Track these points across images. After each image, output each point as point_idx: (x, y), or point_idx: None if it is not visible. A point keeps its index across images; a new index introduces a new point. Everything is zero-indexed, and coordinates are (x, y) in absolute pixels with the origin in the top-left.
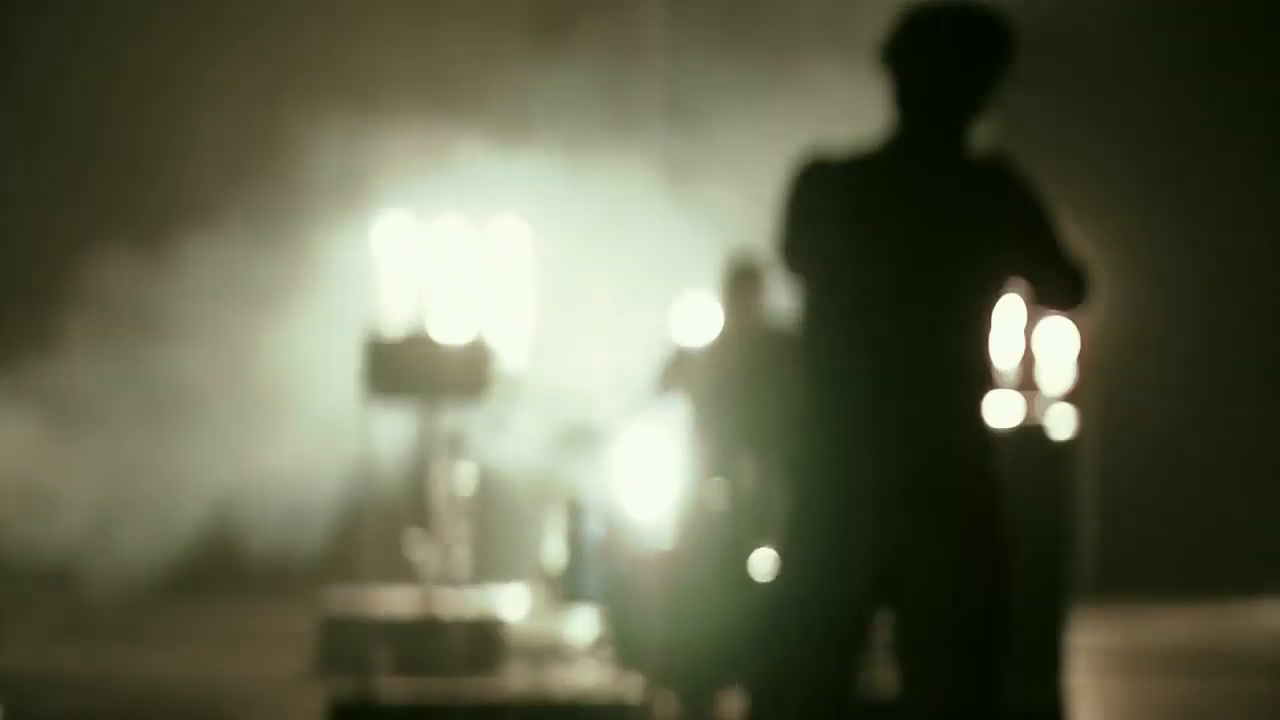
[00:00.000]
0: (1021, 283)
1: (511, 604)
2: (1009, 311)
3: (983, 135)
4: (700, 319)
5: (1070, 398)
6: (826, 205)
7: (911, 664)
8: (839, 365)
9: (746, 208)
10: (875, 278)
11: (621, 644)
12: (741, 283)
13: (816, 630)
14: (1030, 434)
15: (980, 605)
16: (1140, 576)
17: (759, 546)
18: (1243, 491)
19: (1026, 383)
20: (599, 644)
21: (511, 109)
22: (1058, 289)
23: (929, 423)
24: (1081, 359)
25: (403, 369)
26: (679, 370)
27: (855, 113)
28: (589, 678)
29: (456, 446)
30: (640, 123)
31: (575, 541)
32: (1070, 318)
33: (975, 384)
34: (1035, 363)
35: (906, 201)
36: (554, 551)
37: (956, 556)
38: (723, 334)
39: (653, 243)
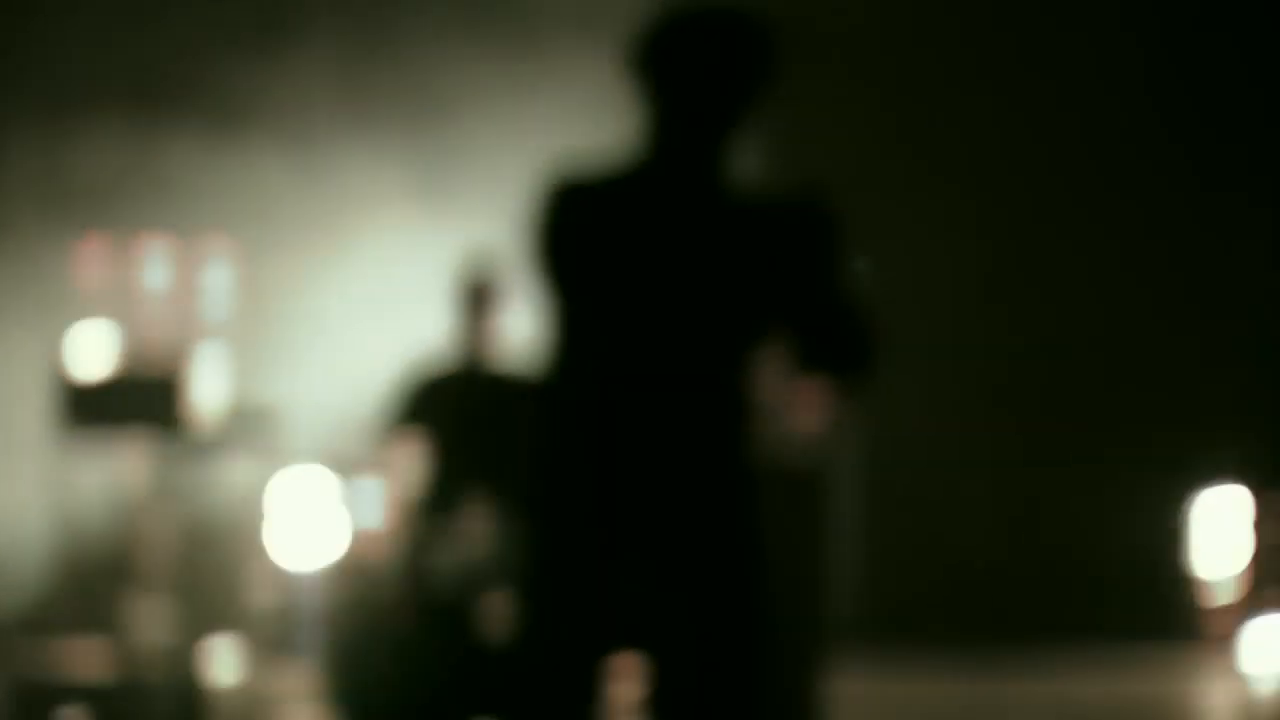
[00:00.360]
0: (785, 338)
1: (221, 660)
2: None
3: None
4: (442, 341)
5: (824, 430)
6: (578, 237)
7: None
8: (588, 404)
9: (498, 214)
10: (629, 315)
11: (340, 703)
12: (476, 301)
13: (559, 684)
14: (776, 469)
15: (738, 657)
16: (906, 621)
17: (491, 594)
18: (1008, 530)
19: (776, 415)
20: (315, 701)
21: (226, 104)
22: (828, 352)
23: (680, 470)
24: (831, 389)
25: (101, 402)
26: (419, 400)
27: (610, 105)
28: None
29: (162, 486)
30: (378, 117)
31: (288, 589)
32: (838, 390)
33: (734, 426)
34: (786, 394)
35: (662, 232)
36: (265, 600)
37: (712, 609)
38: (456, 360)
39: (393, 254)
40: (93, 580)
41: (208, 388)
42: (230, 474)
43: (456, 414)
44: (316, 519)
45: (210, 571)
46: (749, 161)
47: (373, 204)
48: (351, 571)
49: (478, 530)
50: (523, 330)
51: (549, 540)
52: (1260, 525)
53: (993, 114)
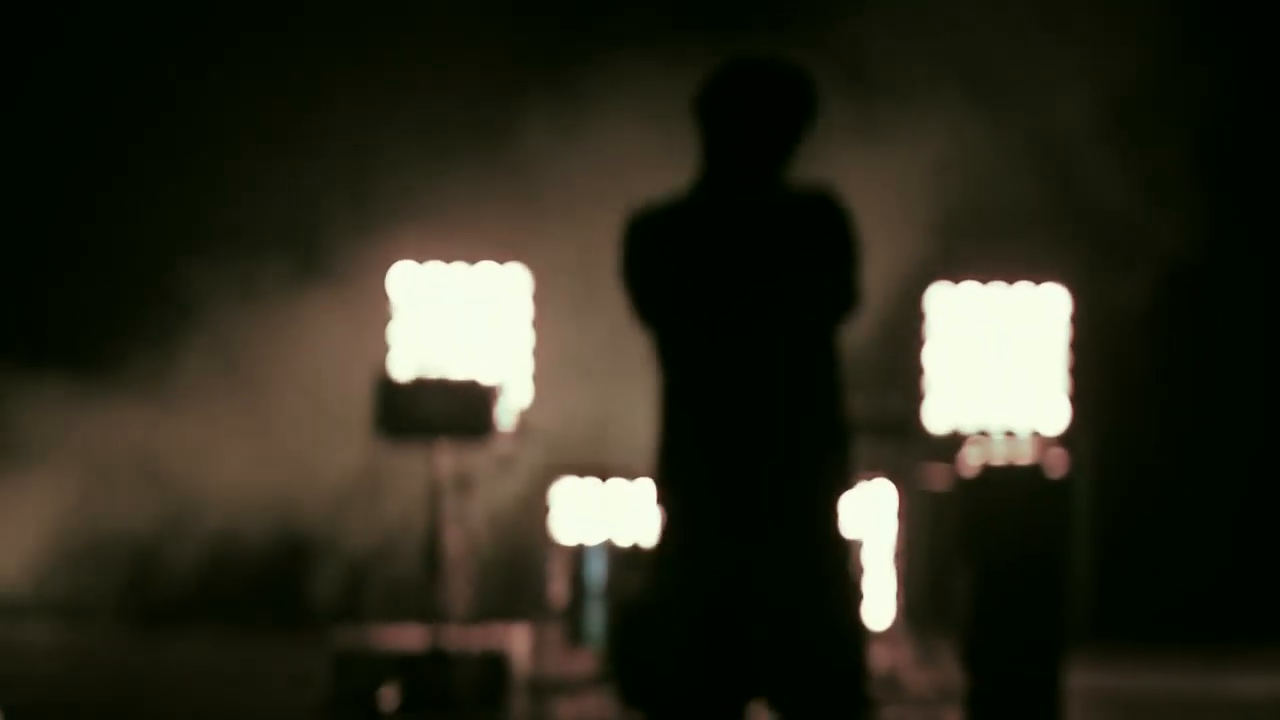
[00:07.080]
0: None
1: (516, 642)
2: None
3: None
4: None
5: (1064, 439)
6: (658, 255)
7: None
8: (693, 398)
9: None
10: (713, 315)
11: (621, 684)
12: None
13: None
14: (1026, 473)
15: (832, 615)
16: (1133, 622)
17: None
18: (1238, 536)
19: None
20: (601, 682)
21: None
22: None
23: (769, 446)
24: (1075, 399)
25: (414, 407)
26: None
27: None
28: (594, 713)
29: (463, 486)
30: None
31: (579, 582)
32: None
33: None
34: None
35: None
36: (558, 592)
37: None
38: None
39: None
40: (406, 569)
41: (508, 401)
42: (524, 477)
43: None
44: (600, 522)
45: (508, 563)
46: None
47: None
48: (633, 564)
49: None
50: None
51: (671, 518)
52: None
53: None
